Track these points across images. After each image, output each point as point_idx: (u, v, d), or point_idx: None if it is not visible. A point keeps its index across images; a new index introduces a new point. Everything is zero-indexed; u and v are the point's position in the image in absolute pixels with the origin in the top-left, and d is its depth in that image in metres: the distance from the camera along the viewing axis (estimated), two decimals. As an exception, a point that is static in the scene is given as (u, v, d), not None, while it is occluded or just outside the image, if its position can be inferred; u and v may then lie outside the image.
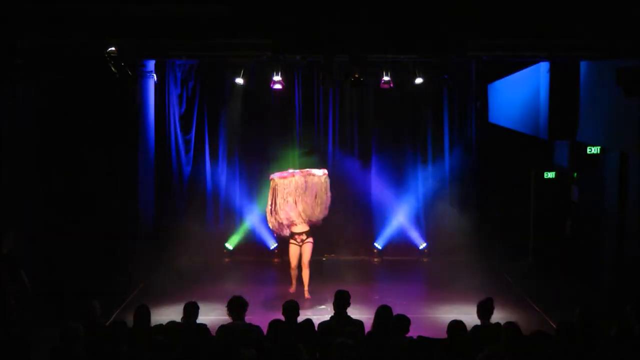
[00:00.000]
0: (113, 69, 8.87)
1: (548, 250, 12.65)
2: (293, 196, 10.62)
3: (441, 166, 13.51)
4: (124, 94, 10.71)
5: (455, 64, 12.15)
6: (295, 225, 10.68)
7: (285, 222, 10.67)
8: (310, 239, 10.73)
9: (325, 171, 11.11)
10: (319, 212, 10.79)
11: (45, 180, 10.48)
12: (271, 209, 10.72)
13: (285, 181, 10.71)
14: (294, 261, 10.74)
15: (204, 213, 13.38)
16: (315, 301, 10.23)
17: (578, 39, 8.48)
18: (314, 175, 10.86)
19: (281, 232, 10.88)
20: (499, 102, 12.76)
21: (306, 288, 10.63)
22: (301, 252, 10.68)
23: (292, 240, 10.77)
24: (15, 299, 8.06)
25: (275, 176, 10.84)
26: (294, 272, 10.78)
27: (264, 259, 13.36)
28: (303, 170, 11.02)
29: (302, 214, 10.63)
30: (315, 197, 10.74)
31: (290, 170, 11.02)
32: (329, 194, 10.92)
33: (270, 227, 10.97)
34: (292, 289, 10.76)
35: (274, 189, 10.74)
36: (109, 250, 10.68)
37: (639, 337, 5.99)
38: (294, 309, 6.59)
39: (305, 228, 10.71)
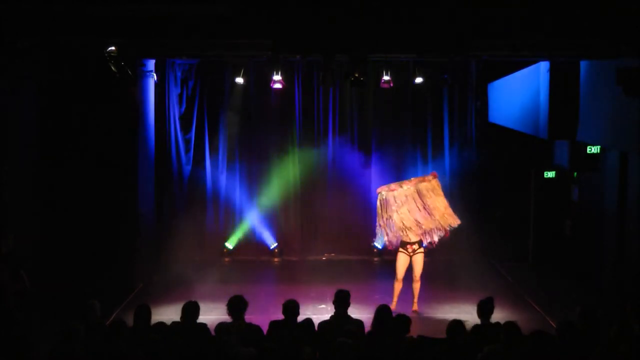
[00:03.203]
0: (113, 68, 8.87)
1: (548, 250, 12.65)
2: (407, 206, 9.78)
3: (441, 166, 13.49)
4: (124, 94, 10.70)
5: (455, 63, 12.15)
6: (410, 234, 9.79)
7: (401, 232, 9.74)
8: (422, 250, 9.87)
9: (435, 173, 10.30)
10: (448, 215, 9.88)
11: (45, 180, 10.48)
12: (383, 224, 9.88)
13: (395, 193, 9.86)
14: (401, 271, 9.80)
15: (204, 213, 13.39)
16: (316, 301, 10.23)
17: (578, 39, 8.48)
18: (424, 180, 10.06)
19: (392, 246, 10.01)
20: (499, 101, 12.77)
21: (415, 300, 9.90)
22: (412, 263, 9.82)
23: (402, 249, 9.83)
24: (16, 299, 8.06)
25: (383, 189, 10.01)
26: (398, 286, 9.83)
27: (264, 259, 13.37)
28: (411, 179, 10.20)
29: (419, 223, 9.74)
30: (435, 201, 9.88)
31: (397, 182, 10.32)
32: (444, 199, 10.03)
33: (385, 243, 10.12)
34: (394, 305, 9.57)
35: (383, 203, 9.88)
36: (109, 250, 10.67)
37: (639, 337, 5.99)
38: (294, 309, 6.59)
39: (418, 237, 9.82)
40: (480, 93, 13.29)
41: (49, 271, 10.00)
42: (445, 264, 12.69)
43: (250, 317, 6.73)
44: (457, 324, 6.08)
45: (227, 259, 13.34)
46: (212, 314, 8.08)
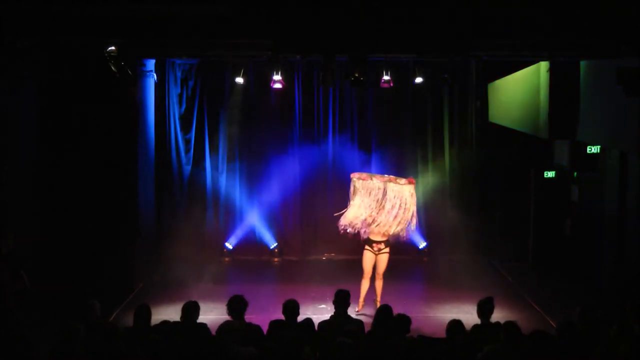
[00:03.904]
0: (113, 68, 8.87)
1: (548, 250, 12.65)
2: (369, 201, 9.71)
3: (441, 166, 13.51)
4: (124, 94, 10.70)
5: (455, 63, 12.14)
6: (373, 233, 9.75)
7: (356, 226, 9.74)
8: (387, 250, 9.79)
9: (412, 180, 10.02)
10: (396, 226, 9.70)
11: (45, 180, 10.48)
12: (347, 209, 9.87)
13: (362, 183, 9.78)
14: (367, 268, 9.75)
15: (204, 213, 13.38)
16: (316, 301, 10.23)
17: (578, 39, 8.48)
18: (395, 182, 9.80)
19: (344, 231, 9.89)
20: (499, 101, 12.77)
21: (378, 298, 9.76)
22: (376, 261, 9.75)
23: (367, 247, 9.80)
24: (16, 299, 8.06)
25: (355, 175, 9.95)
26: (365, 284, 9.76)
27: (264, 259, 13.37)
28: (386, 175, 10.05)
29: (377, 222, 9.67)
30: (394, 208, 9.69)
31: (371, 173, 10.27)
32: (412, 208, 9.78)
33: (345, 226, 9.85)
34: (360, 307, 9.68)
35: (353, 188, 9.83)
36: (109, 250, 10.67)
37: (639, 337, 5.99)
38: (294, 309, 6.60)
39: (384, 237, 9.76)
40: (480, 93, 13.29)
41: (49, 271, 10.00)
42: (445, 264, 12.69)
43: (250, 317, 6.73)
44: (457, 324, 6.09)
45: (227, 259, 13.34)
46: (212, 314, 8.10)
